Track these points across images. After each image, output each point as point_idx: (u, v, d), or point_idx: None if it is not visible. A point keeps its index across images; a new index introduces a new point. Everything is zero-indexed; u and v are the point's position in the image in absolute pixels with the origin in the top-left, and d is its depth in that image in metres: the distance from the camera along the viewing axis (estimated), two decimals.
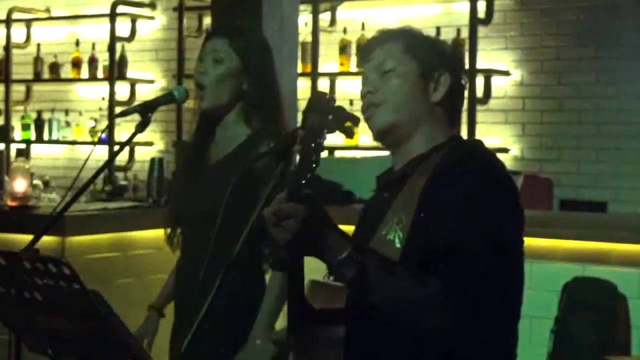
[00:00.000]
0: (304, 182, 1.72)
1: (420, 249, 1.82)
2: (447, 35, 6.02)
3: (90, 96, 7.54)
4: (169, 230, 2.90)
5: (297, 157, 1.77)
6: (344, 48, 6.43)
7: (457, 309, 1.77)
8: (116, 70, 7.07)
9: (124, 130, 7.11)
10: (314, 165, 1.73)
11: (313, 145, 1.75)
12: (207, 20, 6.88)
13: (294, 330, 1.82)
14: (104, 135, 7.03)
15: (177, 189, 2.94)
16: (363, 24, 6.33)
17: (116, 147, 6.68)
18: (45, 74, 7.59)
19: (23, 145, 7.26)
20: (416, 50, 2.02)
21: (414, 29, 2.09)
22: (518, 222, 1.94)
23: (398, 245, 1.86)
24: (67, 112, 7.42)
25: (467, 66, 5.73)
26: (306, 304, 1.90)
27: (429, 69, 2.01)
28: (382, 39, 2.06)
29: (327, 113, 1.79)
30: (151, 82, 7.31)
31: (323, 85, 6.45)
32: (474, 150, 1.97)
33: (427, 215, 1.85)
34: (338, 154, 6.31)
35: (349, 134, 1.84)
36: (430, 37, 2.10)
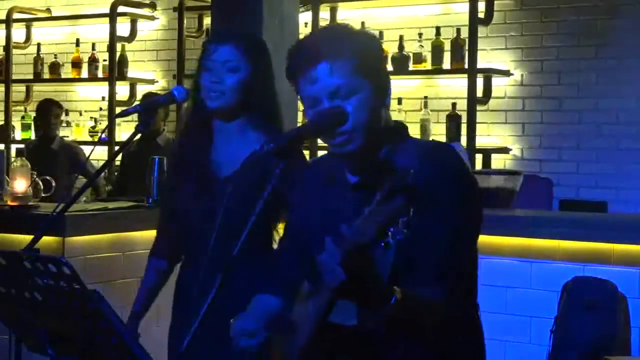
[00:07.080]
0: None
1: (411, 259, 1.89)
2: (447, 35, 6.03)
3: (90, 96, 7.54)
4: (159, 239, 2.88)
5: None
6: None
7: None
8: (116, 70, 7.07)
9: (124, 130, 7.11)
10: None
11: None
12: (207, 20, 6.87)
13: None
14: (104, 135, 7.02)
15: (181, 199, 2.84)
16: (363, 24, 6.31)
17: (116, 147, 6.69)
18: (45, 74, 7.58)
19: (23, 145, 7.26)
20: (365, 67, 1.97)
21: (352, 31, 2.03)
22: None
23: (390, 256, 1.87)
24: (67, 112, 7.42)
25: (467, 66, 5.74)
26: None
27: (381, 84, 2.01)
28: (327, 52, 1.95)
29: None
30: (151, 82, 7.31)
31: None
32: (450, 159, 2.02)
33: (418, 224, 1.83)
34: None
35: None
36: (367, 41, 2.03)
